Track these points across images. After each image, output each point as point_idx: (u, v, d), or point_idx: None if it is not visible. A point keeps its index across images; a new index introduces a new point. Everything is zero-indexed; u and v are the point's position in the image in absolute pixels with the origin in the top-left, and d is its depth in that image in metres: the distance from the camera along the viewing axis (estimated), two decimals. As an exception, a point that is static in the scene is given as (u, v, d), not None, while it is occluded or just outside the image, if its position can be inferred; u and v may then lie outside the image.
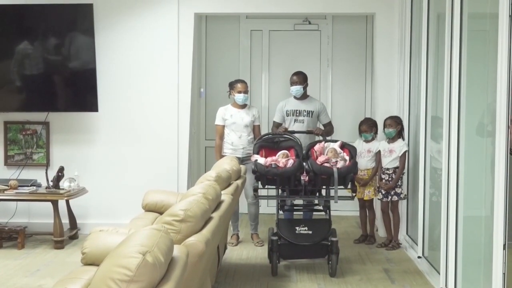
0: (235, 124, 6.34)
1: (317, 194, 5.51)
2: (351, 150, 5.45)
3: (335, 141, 5.61)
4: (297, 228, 5.30)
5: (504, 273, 3.46)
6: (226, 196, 4.30)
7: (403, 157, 6.12)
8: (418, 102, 5.88)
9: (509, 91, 3.44)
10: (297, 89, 6.34)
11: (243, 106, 6.42)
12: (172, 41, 6.78)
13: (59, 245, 6.16)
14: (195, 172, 7.47)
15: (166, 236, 2.45)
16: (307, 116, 6.35)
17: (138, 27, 6.81)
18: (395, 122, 6.19)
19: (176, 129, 6.82)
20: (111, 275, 2.11)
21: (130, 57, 6.82)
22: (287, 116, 6.40)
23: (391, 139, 6.20)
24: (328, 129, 6.40)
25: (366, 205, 6.44)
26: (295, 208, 5.87)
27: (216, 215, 3.70)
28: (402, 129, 6.22)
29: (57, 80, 6.74)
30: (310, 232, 5.29)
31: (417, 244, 5.73)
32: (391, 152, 6.16)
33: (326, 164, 5.22)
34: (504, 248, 3.44)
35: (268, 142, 5.67)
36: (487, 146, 3.98)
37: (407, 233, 6.40)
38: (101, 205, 6.84)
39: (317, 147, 5.48)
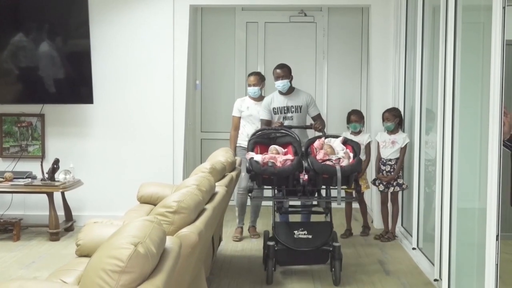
0: (251, 117, 6.28)
1: (316, 195, 5.07)
2: (355, 147, 5.04)
3: (337, 136, 5.28)
4: (295, 232, 4.84)
5: (497, 264, 3.47)
6: (220, 187, 4.30)
7: (404, 149, 6.13)
8: (413, 95, 5.89)
9: (502, 83, 3.45)
10: (283, 83, 5.97)
11: (260, 99, 6.29)
12: (168, 33, 6.76)
13: (54, 237, 6.17)
14: (190, 164, 7.47)
15: (158, 228, 2.45)
16: (295, 112, 6.00)
17: (133, 19, 6.79)
18: (392, 115, 6.18)
19: (172, 121, 6.81)
20: (103, 266, 2.11)
21: (125, 49, 6.80)
22: (275, 114, 6.02)
23: (391, 131, 6.20)
24: (319, 122, 5.99)
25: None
26: (291, 210, 5.29)
27: (209, 207, 3.70)
28: (401, 121, 6.22)
29: (52, 72, 6.72)
30: (310, 236, 4.83)
31: (411, 236, 5.75)
32: (394, 144, 6.15)
33: (328, 162, 4.83)
34: (497, 239, 3.45)
35: (263, 138, 5.26)
36: (481, 138, 3.99)
37: (402, 225, 6.42)
38: (97, 197, 6.84)
39: (317, 143, 5.08)
